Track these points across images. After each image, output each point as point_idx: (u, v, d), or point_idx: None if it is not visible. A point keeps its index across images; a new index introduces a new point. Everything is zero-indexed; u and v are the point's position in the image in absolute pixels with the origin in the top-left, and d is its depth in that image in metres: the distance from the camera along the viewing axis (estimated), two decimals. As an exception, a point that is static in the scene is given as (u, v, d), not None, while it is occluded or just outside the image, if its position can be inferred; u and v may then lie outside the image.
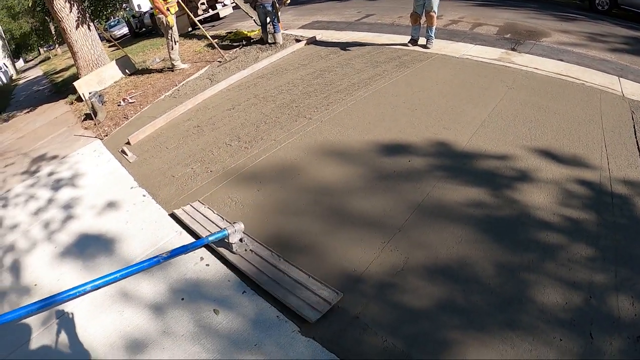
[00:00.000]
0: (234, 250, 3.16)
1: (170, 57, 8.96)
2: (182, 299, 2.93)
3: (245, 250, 3.18)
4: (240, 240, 3.18)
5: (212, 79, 7.80)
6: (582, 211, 3.21)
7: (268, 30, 9.28)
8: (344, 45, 8.38)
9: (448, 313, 2.53)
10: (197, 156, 4.89)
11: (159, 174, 4.67)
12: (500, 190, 3.47)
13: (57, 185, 5.17)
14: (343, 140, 4.62)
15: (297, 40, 9.17)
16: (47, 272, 3.58)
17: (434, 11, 7.10)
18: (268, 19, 9.03)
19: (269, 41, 9.33)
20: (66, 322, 2.98)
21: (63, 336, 2.88)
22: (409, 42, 7.76)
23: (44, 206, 4.69)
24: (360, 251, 3.07)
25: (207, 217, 3.64)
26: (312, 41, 9.02)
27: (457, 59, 6.68)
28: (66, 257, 3.70)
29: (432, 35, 7.39)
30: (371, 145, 4.45)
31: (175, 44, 8.69)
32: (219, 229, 3.28)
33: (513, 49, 7.15)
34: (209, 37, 9.77)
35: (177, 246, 3.31)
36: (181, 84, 8.02)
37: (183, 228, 3.66)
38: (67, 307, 3.09)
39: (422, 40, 7.62)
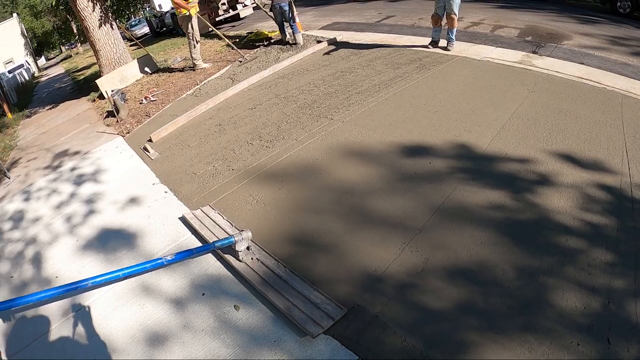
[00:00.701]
0: (240, 258, 3.15)
1: (191, 56, 9.11)
2: (203, 294, 3.00)
3: (252, 258, 3.17)
4: (248, 248, 3.17)
5: (234, 78, 7.91)
6: (602, 216, 3.18)
7: (287, 30, 9.36)
8: (365, 47, 8.39)
9: (467, 314, 2.53)
10: (218, 154, 4.98)
11: (181, 172, 4.77)
12: (521, 193, 3.45)
13: (79, 180, 5.32)
14: (364, 142, 4.65)
15: (318, 41, 9.23)
16: (68, 265, 3.70)
17: (454, 13, 7.08)
18: (285, 19, 9.11)
19: (290, 42, 9.41)
20: (87, 314, 3.08)
21: (84, 327, 2.98)
22: (429, 44, 7.73)
23: (66, 200, 4.84)
24: (381, 251, 3.09)
25: (216, 223, 3.64)
26: (333, 42, 9.07)
27: (478, 62, 6.65)
28: (88, 250, 3.82)
29: (453, 37, 7.37)
30: (392, 147, 4.46)
31: (197, 44, 8.83)
32: (227, 235, 3.29)
33: (534, 52, 7.08)
34: (225, 38, 9.88)
35: (197, 241, 3.40)
36: (202, 83, 8.15)
37: (192, 233, 3.69)
38: (90, 298, 3.19)
39: (442, 42, 7.61)
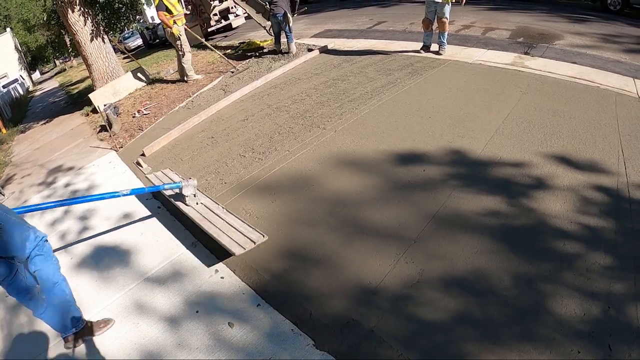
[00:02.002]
0: (187, 203, 3.74)
1: (183, 68, 9.07)
2: (197, 311, 2.96)
3: (197, 203, 3.75)
4: (194, 195, 3.73)
5: (226, 89, 7.90)
6: (599, 218, 3.16)
7: (282, 39, 9.39)
8: (357, 54, 8.44)
9: (464, 325, 2.50)
10: (211, 167, 4.94)
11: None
12: (516, 198, 3.44)
13: (73, 196, 5.26)
14: (357, 150, 4.64)
15: (310, 50, 9.24)
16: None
17: (445, 17, 7.14)
18: (281, 29, 9.13)
19: (283, 51, 9.42)
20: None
21: (80, 347, 2.92)
22: (421, 48, 7.80)
23: (60, 217, 4.79)
24: (375, 263, 3.05)
25: (171, 179, 4.30)
26: (325, 50, 9.10)
27: (470, 65, 6.69)
28: (82, 268, 3.77)
29: (445, 41, 7.43)
30: (386, 155, 4.44)
31: (187, 54, 8.80)
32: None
33: (526, 53, 7.14)
34: (215, 50, 9.90)
35: (191, 257, 3.39)
36: (195, 95, 8.13)
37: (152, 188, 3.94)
38: (85, 315, 3.13)
39: (434, 47, 7.66)
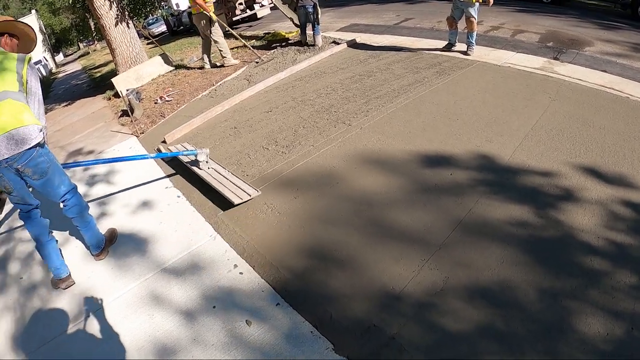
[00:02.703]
0: (200, 167, 4.44)
1: (221, 52, 9.07)
2: (214, 306, 2.91)
3: (209, 168, 4.43)
4: (206, 162, 4.42)
5: (250, 79, 7.86)
6: (627, 235, 3.04)
7: (307, 32, 9.31)
8: (383, 49, 8.33)
9: (487, 338, 2.42)
10: (233, 158, 4.91)
11: (192, 177, 4.70)
12: (544, 209, 3.34)
13: (92, 181, 5.28)
14: (383, 149, 4.55)
15: (336, 43, 9.16)
16: (78, 269, 3.62)
17: (473, 17, 7.06)
18: (308, 21, 9.06)
19: (309, 43, 9.34)
20: (96, 321, 3.03)
21: (92, 335, 2.92)
22: (445, 46, 7.74)
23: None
24: (399, 268, 2.98)
25: (186, 148, 5.03)
26: (352, 44, 9.00)
27: (498, 67, 6.55)
28: (98, 255, 3.75)
29: (473, 42, 7.32)
30: (412, 156, 4.36)
31: (221, 39, 8.80)
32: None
33: (555, 58, 7.00)
34: (240, 38, 9.84)
35: (210, 249, 3.37)
36: (218, 84, 8.10)
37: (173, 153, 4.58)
38: (99, 304, 3.14)
39: (462, 47, 7.54)
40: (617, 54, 7.57)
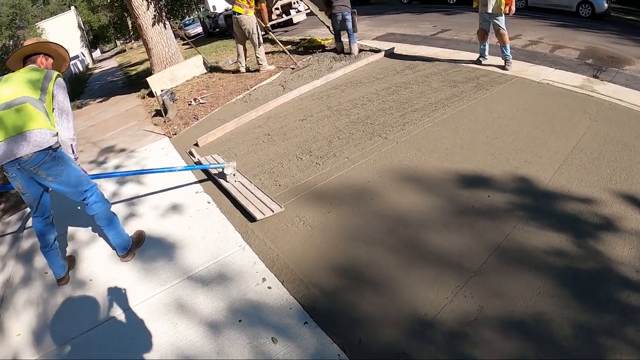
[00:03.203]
0: (228, 180, 4.45)
1: (257, 58, 9.11)
2: (240, 320, 2.84)
3: (235, 181, 4.44)
4: (233, 175, 4.43)
5: (285, 85, 7.83)
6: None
7: (342, 39, 9.26)
8: (420, 60, 8.20)
9: (519, 374, 2.29)
10: (265, 167, 4.85)
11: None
12: (583, 238, 3.17)
13: (122, 180, 5.30)
14: (420, 166, 4.43)
15: (374, 52, 9.08)
16: (104, 269, 3.64)
17: (502, 28, 6.92)
18: (343, 29, 9.02)
19: (345, 51, 9.28)
20: (118, 324, 3.01)
21: (113, 338, 2.89)
22: (477, 59, 7.63)
23: (108, 197, 4.77)
24: (432, 293, 2.85)
25: (217, 162, 4.97)
26: (390, 54, 8.92)
27: (537, 84, 6.34)
28: (125, 257, 3.73)
29: (509, 54, 7.09)
30: (449, 175, 4.22)
31: (261, 45, 8.82)
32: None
33: (595, 76, 6.83)
34: (280, 44, 9.88)
35: (238, 260, 3.31)
36: (253, 88, 8.11)
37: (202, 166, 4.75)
38: (121, 309, 3.11)
39: (499, 61, 7.36)
40: None
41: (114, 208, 3.76)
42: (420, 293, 2.86)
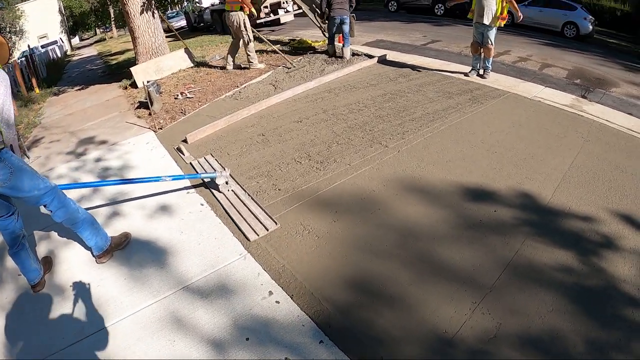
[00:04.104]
0: (220, 190, 4.10)
1: (247, 55, 8.79)
2: (247, 338, 2.54)
3: (228, 190, 4.11)
4: (226, 182, 4.06)
5: (276, 85, 7.55)
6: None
7: (336, 43, 9.04)
8: (413, 70, 8.10)
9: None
10: (262, 169, 4.55)
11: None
12: (587, 256, 3.18)
13: (104, 174, 4.93)
14: (424, 177, 4.25)
15: (369, 57, 8.91)
16: (85, 273, 3.28)
17: (491, 43, 7.15)
18: (337, 32, 8.81)
19: (337, 54, 9.05)
20: (105, 338, 2.67)
21: (99, 356, 2.55)
22: (469, 72, 7.66)
23: (88, 195, 4.42)
24: (450, 309, 2.70)
25: (211, 165, 4.73)
26: (383, 60, 8.78)
27: (529, 101, 6.38)
28: (110, 261, 3.37)
29: (489, 66, 7.42)
30: (453, 187, 4.09)
31: (252, 42, 8.50)
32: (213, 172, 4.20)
33: (583, 97, 6.98)
34: (269, 42, 9.60)
35: (240, 270, 3.01)
36: (243, 85, 7.79)
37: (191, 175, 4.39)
38: (110, 320, 2.78)
39: (481, 71, 7.57)
40: None
41: (94, 204, 3.45)
42: (438, 309, 2.72)
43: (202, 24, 19.39)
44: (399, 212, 3.71)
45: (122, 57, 15.21)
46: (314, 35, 11.91)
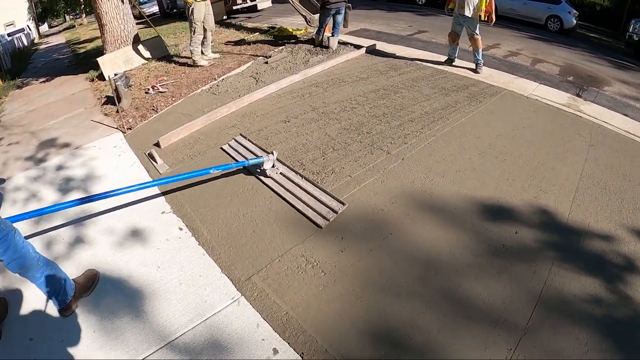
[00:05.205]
0: (268, 174, 3.85)
1: (190, 49, 7.90)
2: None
3: (277, 173, 3.88)
4: (273, 166, 3.85)
5: (258, 78, 6.85)
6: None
7: (324, 33, 8.35)
8: (403, 62, 7.55)
9: None
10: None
11: (201, 199, 3.69)
12: (612, 281, 2.89)
13: (65, 187, 4.22)
14: (435, 191, 3.73)
15: (356, 47, 8.27)
16: (43, 328, 2.59)
17: (477, 34, 6.78)
18: (331, 22, 8.19)
19: (323, 44, 8.36)
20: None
21: None
22: (445, 61, 7.43)
23: (44, 217, 3.67)
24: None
25: (247, 149, 4.44)
26: (371, 50, 8.20)
27: (526, 99, 6.01)
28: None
29: (480, 59, 7.04)
30: (469, 203, 3.60)
31: (196, 35, 7.62)
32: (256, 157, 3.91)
33: (578, 95, 6.69)
34: (249, 31, 8.81)
35: (235, 321, 2.39)
36: (221, 78, 7.07)
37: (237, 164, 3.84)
38: None
39: (461, 62, 7.39)
40: (634, 97, 7.46)
41: (53, 225, 2.77)
42: (474, 360, 2.28)
43: (175, 10, 18.29)
44: (414, 237, 3.16)
45: (90, 46, 14.12)
46: (294, 23, 11.18)
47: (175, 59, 8.62)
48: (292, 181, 3.73)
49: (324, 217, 3.27)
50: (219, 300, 2.65)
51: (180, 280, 2.82)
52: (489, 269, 2.91)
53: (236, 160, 4.19)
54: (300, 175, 3.80)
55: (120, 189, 3.14)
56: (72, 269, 2.98)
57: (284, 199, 3.55)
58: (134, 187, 3.17)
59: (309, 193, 3.54)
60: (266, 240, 3.16)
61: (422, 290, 2.70)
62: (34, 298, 2.79)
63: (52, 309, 2.68)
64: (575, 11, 15.01)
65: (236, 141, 4.62)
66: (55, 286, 2.54)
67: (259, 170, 3.91)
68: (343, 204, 3.39)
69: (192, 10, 7.31)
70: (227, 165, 3.71)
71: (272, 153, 3.86)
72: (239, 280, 2.79)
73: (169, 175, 3.81)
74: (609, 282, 2.88)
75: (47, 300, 2.69)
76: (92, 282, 2.83)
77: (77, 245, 3.28)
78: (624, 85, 8.33)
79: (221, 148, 4.49)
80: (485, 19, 6.69)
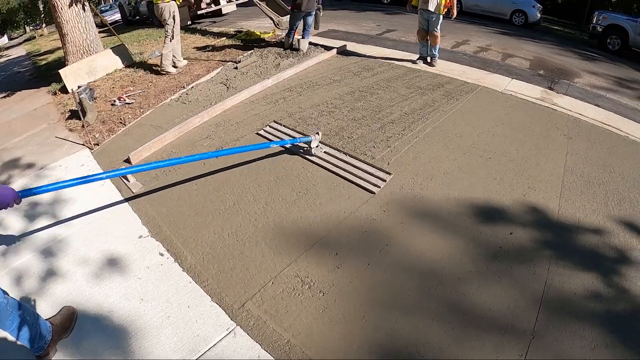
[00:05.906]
0: (313, 152, 4.13)
1: (162, 53, 7.49)
2: None
3: (322, 151, 4.18)
4: (317, 146, 4.11)
5: (228, 85, 6.56)
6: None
7: (295, 35, 8.11)
8: (374, 62, 7.43)
9: None
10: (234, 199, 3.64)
11: (180, 219, 3.41)
12: (608, 275, 2.90)
13: (32, 213, 3.83)
14: (426, 196, 3.59)
15: (326, 48, 8.05)
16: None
17: (437, 30, 6.93)
18: (301, 24, 7.96)
19: (293, 47, 8.11)
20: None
21: None
22: (417, 59, 7.43)
23: (13, 247, 3.34)
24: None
25: (287, 134, 4.68)
26: (342, 51, 8.03)
27: (501, 95, 6.05)
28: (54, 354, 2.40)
29: (436, 54, 7.26)
30: (460, 206, 3.51)
31: (170, 41, 7.27)
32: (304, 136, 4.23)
33: (550, 88, 6.77)
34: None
35: (231, 355, 2.18)
36: (190, 86, 6.74)
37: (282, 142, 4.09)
38: None
39: (429, 58, 7.43)
40: (604, 87, 7.68)
41: (21, 260, 2.47)
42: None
43: (137, 17, 17.71)
44: (410, 247, 3.00)
45: (52, 57, 13.46)
46: (261, 26, 10.92)
47: (140, 67, 8.23)
48: (336, 157, 4.10)
49: (374, 185, 3.62)
50: (212, 332, 2.40)
51: (167, 313, 2.55)
52: (489, 274, 2.83)
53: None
54: (344, 153, 4.15)
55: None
56: (46, 308, 2.67)
57: (334, 173, 3.87)
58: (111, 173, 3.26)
59: (355, 166, 3.89)
60: (256, 261, 2.92)
61: (427, 303, 2.55)
62: (8, 344, 2.49)
63: (29, 355, 2.38)
64: (539, 5, 15.27)
65: (271, 127, 4.87)
66: (30, 332, 2.22)
67: (301, 150, 4.23)
68: (389, 173, 3.75)
69: (172, 14, 6.96)
70: (284, 141, 4.09)
71: (318, 133, 4.12)
72: (232, 309, 2.55)
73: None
74: (606, 276, 2.87)
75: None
76: (70, 322, 2.52)
77: (50, 279, 2.95)
78: (593, 76, 8.50)
79: (258, 133, 4.58)
80: (445, 13, 6.74)
